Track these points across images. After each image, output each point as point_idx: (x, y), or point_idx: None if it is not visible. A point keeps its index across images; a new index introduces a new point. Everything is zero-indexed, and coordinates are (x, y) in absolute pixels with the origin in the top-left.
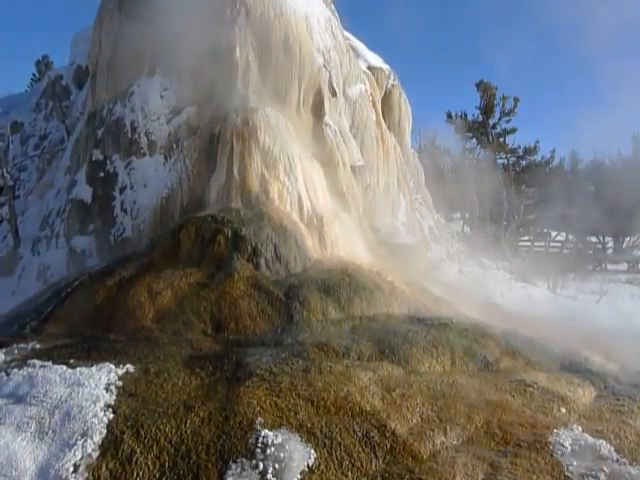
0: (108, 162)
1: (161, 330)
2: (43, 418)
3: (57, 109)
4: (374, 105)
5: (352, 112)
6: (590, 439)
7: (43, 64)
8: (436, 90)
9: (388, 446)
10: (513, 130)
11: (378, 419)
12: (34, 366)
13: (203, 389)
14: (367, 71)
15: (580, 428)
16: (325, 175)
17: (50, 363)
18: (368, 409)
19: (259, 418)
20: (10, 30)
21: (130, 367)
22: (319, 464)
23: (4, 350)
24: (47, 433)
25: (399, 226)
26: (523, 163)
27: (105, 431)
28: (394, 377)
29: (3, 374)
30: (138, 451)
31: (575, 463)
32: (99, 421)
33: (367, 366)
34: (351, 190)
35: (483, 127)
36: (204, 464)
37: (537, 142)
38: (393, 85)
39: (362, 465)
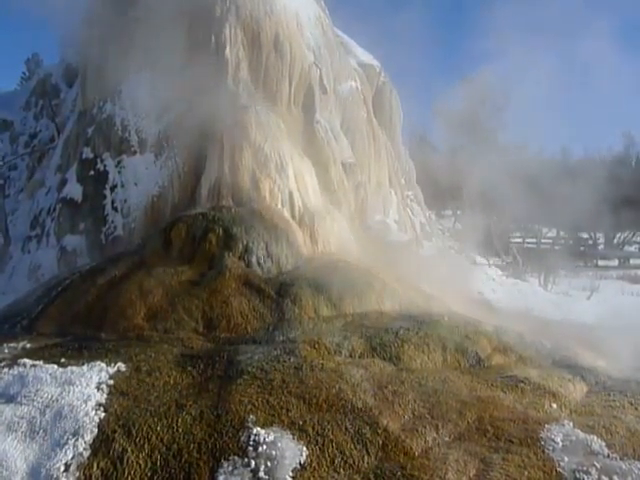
0: (98, 160)
1: (152, 328)
2: (34, 417)
3: (47, 107)
4: (365, 102)
5: (343, 109)
6: (581, 434)
7: (33, 62)
8: (427, 87)
9: (380, 443)
10: (504, 127)
11: (370, 416)
12: (25, 365)
13: (195, 387)
14: (358, 68)
15: (571, 424)
16: (316, 172)
17: (41, 362)
18: (360, 406)
19: (251, 416)
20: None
21: (121, 366)
22: (311, 461)
23: None
24: (38, 432)
25: (391, 223)
26: (514, 159)
27: (96, 430)
28: (386, 374)
29: None
30: (129, 450)
31: (566, 459)
32: (90, 420)
33: (359, 363)
34: (342, 187)
35: (473, 124)
36: (196, 462)
37: (527, 139)
38: (384, 82)
39: (354, 462)
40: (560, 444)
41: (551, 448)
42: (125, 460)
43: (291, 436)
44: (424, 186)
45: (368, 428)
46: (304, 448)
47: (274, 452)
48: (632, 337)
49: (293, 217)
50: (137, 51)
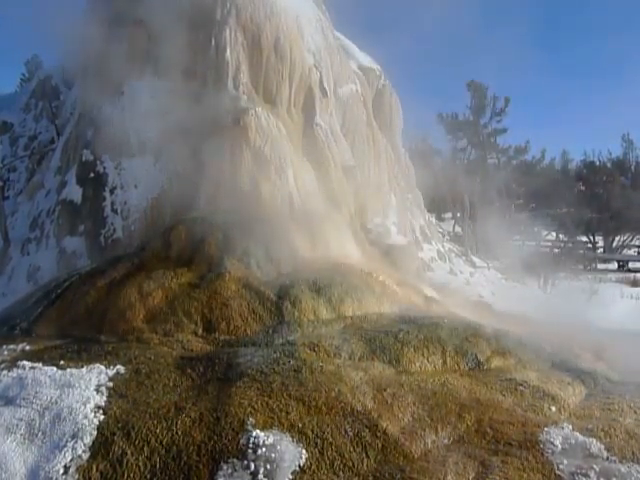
0: (98, 162)
1: (152, 331)
2: (33, 420)
3: (47, 109)
4: (365, 105)
5: (343, 112)
6: (580, 437)
7: (33, 64)
8: (428, 90)
9: (379, 445)
10: (504, 130)
11: (369, 419)
12: (24, 368)
13: (194, 390)
14: (358, 71)
15: (570, 426)
16: (316, 175)
17: (40, 364)
18: (359, 409)
19: (250, 418)
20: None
21: (121, 368)
22: (310, 464)
23: None
24: (37, 435)
25: (390, 226)
26: (514, 163)
27: (95, 432)
28: (385, 377)
29: None
30: (129, 452)
31: (565, 461)
32: (89, 422)
33: (358, 366)
34: (342, 190)
35: (474, 127)
36: (195, 465)
37: (528, 142)
38: (384, 85)
39: (354, 465)
40: (559, 447)
41: (550, 451)
42: (124, 462)
43: (290, 439)
44: (424, 189)
45: (367, 431)
46: (303, 451)
47: (273, 455)
48: None
49: (293, 219)
50: (138, 54)
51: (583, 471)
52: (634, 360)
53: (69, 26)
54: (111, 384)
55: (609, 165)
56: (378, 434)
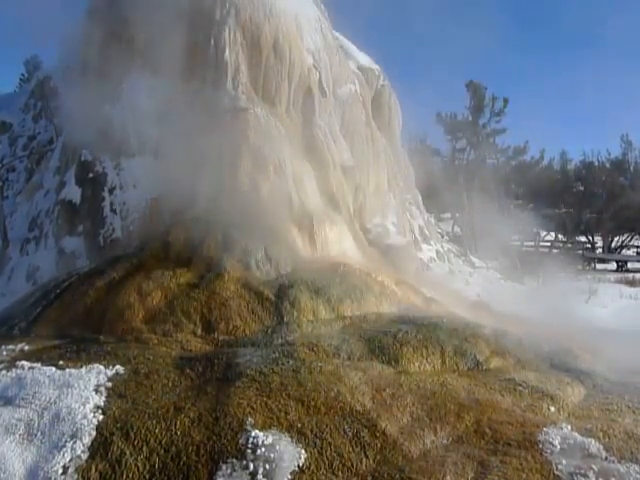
0: (97, 163)
1: (151, 331)
2: (32, 420)
3: (46, 109)
4: (364, 105)
5: (342, 112)
6: (579, 437)
7: (32, 64)
8: (427, 89)
9: (378, 446)
10: (503, 130)
11: (368, 419)
12: (23, 368)
13: (193, 390)
14: (357, 71)
15: (569, 426)
16: (315, 175)
17: (39, 364)
18: (358, 409)
19: (249, 419)
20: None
21: (120, 368)
22: (309, 464)
23: None
24: (36, 435)
25: (389, 226)
26: (513, 163)
27: (94, 433)
28: (384, 377)
29: None
30: (128, 452)
31: (564, 461)
32: (88, 423)
33: (357, 366)
34: (341, 190)
35: (473, 127)
36: (194, 465)
37: (527, 142)
38: (383, 85)
39: (352, 465)
40: (558, 447)
41: (549, 451)
42: (123, 463)
43: (289, 439)
44: (423, 189)
45: (366, 431)
46: (302, 451)
47: (272, 455)
48: None
49: (292, 220)
50: (137, 53)
51: (582, 471)
52: (633, 360)
53: (69, 26)
54: (110, 384)
55: (608, 165)
56: (377, 434)
